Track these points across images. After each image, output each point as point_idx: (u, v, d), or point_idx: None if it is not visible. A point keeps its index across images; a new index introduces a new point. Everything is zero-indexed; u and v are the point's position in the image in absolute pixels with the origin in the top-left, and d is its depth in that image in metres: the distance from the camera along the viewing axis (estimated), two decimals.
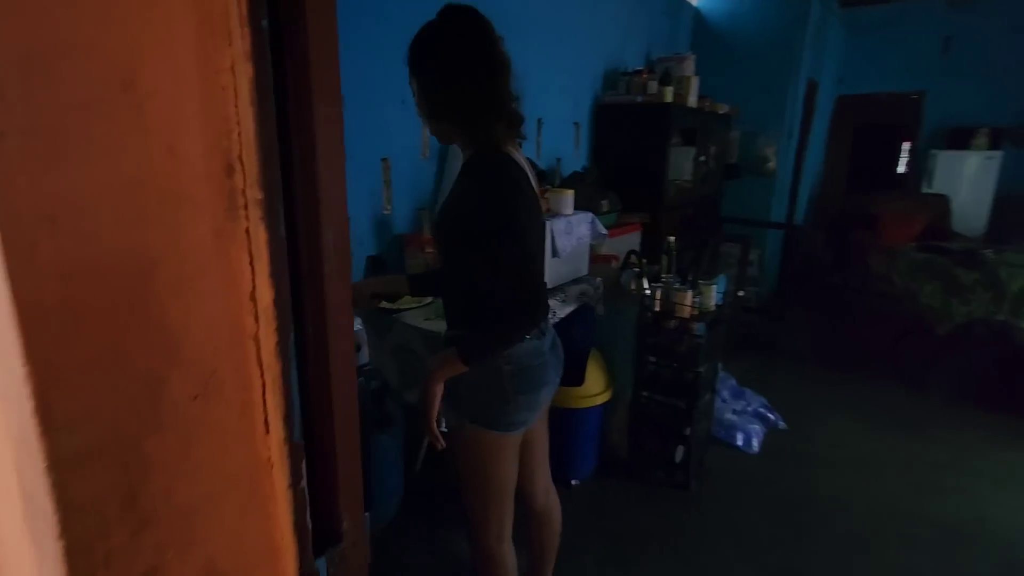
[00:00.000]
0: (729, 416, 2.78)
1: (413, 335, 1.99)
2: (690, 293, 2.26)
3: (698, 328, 2.28)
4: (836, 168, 7.08)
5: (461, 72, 1.12)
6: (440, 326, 1.93)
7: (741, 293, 3.01)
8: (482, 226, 1.15)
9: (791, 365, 3.76)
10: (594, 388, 2.36)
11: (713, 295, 2.31)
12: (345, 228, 0.49)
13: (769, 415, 2.92)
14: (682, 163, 3.77)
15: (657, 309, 2.34)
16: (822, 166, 6.53)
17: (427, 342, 1.95)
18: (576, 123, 3.48)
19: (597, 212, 2.73)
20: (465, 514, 1.41)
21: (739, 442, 2.70)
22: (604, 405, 2.42)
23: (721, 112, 3.99)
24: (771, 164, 4.61)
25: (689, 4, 4.52)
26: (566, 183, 2.98)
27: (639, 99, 3.42)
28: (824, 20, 4.87)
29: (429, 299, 2.19)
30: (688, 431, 2.35)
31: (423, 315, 2.05)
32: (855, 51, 5.97)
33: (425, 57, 1.16)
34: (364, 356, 1.69)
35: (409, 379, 2.04)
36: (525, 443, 1.40)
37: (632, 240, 3.24)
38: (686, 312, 2.27)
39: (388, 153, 2.34)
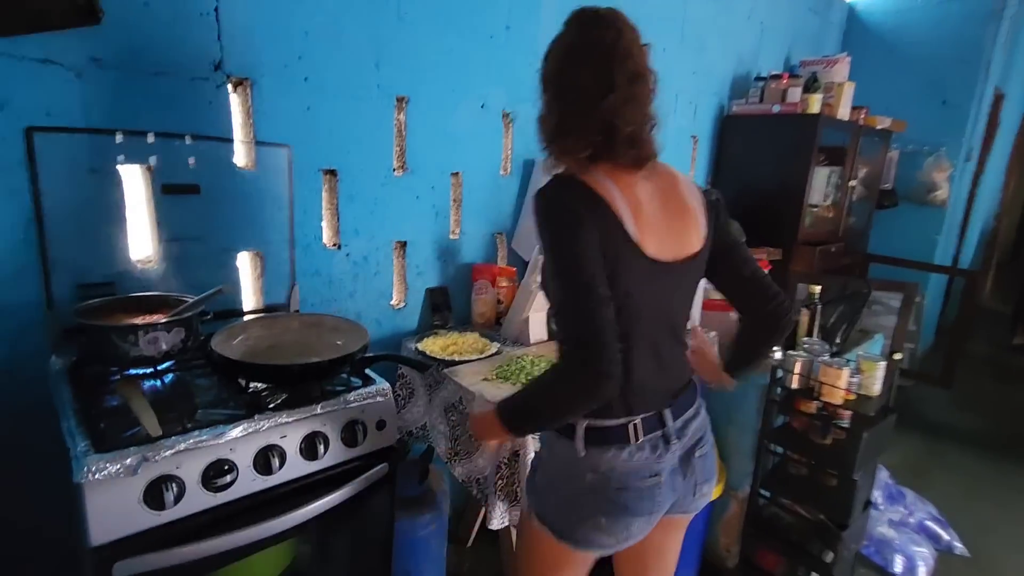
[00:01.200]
0: (883, 529, 2.07)
1: (466, 396, 1.56)
2: (847, 371, 1.63)
3: (854, 419, 1.65)
4: (1013, 201, 5.84)
5: (553, 87, 0.97)
6: (498, 390, 1.49)
7: (898, 356, 2.29)
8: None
9: (967, 455, 2.89)
10: None
11: (880, 375, 1.67)
12: None
13: (941, 532, 2.16)
14: (823, 187, 3.07)
15: (794, 385, 1.74)
16: (998, 198, 5.35)
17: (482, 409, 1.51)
18: (694, 136, 2.91)
19: None
20: None
21: (896, 569, 1.99)
22: (713, 501, 1.85)
23: (879, 127, 3.23)
24: (940, 192, 3.71)
25: (841, 0, 3.78)
26: None
27: (776, 109, 2.79)
28: (1019, 16, 3.89)
29: (493, 349, 1.75)
30: (830, 557, 1.72)
31: (480, 372, 1.61)
32: None
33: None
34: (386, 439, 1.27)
35: (460, 449, 1.62)
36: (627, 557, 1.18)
37: None
38: (838, 396, 1.64)
39: (460, 166, 1.95)
